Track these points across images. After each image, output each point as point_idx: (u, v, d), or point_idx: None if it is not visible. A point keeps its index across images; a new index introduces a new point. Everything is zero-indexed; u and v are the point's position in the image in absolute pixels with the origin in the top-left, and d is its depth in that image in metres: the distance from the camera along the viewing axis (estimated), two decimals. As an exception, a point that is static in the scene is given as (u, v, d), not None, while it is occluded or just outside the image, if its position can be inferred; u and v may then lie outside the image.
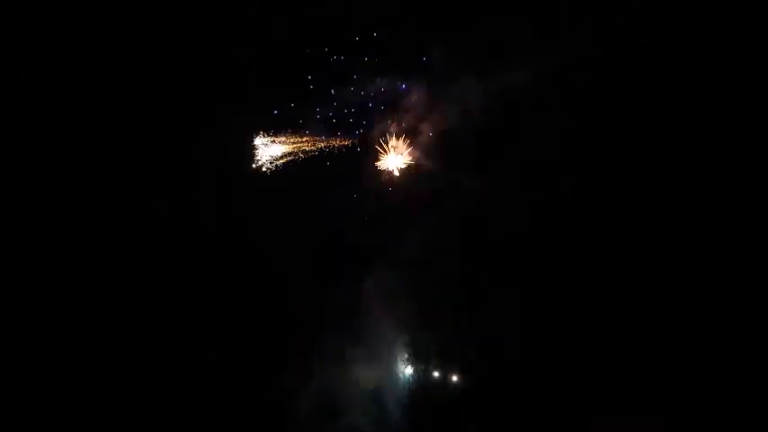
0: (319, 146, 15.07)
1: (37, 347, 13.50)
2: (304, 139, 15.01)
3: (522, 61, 13.79)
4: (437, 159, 15.40)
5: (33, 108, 13.68)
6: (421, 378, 16.02)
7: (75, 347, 13.72)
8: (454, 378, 16.04)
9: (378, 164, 15.37)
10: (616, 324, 14.60)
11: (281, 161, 15.06)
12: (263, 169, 15.04)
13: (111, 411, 13.68)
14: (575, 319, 15.02)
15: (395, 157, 15.34)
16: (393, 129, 15.17)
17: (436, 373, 16.07)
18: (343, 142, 15.10)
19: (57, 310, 13.71)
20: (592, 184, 14.50)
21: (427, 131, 15.21)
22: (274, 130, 15.00)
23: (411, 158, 15.40)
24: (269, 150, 15.01)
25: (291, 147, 15.03)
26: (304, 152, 15.07)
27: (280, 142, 14.99)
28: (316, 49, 14.40)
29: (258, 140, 15.01)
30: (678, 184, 14.00)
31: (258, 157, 15.01)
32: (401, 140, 15.25)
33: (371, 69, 14.73)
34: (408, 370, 16.01)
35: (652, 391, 14.28)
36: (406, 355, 16.09)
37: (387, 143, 15.24)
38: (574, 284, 14.96)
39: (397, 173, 15.47)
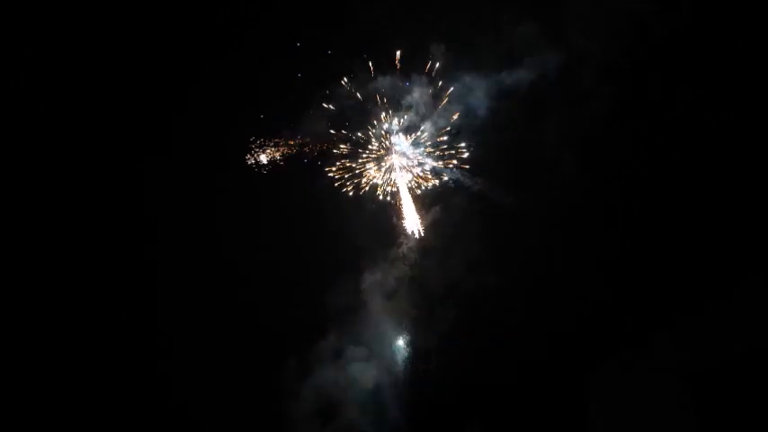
0: (320, 147, 14.99)
1: (37, 347, 13.65)
2: (305, 139, 14.95)
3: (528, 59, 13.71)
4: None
5: (33, 108, 13.74)
6: (422, 376, 16.00)
7: (73, 347, 13.84)
8: (456, 376, 16.00)
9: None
10: (616, 324, 14.55)
11: (279, 162, 15.04)
12: (261, 169, 15.04)
13: (109, 411, 13.80)
14: (579, 318, 14.99)
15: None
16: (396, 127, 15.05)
17: (437, 371, 16.04)
18: (341, 145, 15.05)
19: (55, 309, 13.85)
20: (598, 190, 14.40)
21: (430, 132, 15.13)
22: (275, 129, 14.97)
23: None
24: (268, 150, 14.97)
25: (291, 147, 14.98)
26: (304, 152, 15.02)
27: (280, 142, 14.95)
28: (314, 48, 14.31)
29: (259, 140, 14.97)
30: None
31: (257, 157, 14.99)
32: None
33: (371, 67, 14.62)
34: (409, 368, 15.99)
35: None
36: (407, 353, 16.08)
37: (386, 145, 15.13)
38: (575, 285, 14.91)
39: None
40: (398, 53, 14.34)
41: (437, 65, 14.51)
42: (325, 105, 14.60)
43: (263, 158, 14.88)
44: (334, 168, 15.07)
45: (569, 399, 14.89)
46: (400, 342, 15.95)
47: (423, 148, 15.22)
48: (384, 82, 14.56)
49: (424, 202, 15.61)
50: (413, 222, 15.49)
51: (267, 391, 14.82)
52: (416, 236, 15.51)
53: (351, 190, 15.14)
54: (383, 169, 15.25)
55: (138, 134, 14.28)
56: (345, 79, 14.46)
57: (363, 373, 15.22)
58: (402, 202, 15.46)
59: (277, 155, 14.92)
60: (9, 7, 13.38)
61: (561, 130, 14.12)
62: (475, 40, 14.05)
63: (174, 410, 13.98)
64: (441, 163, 15.24)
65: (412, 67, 14.60)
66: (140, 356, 14.20)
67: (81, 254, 14.10)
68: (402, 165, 15.30)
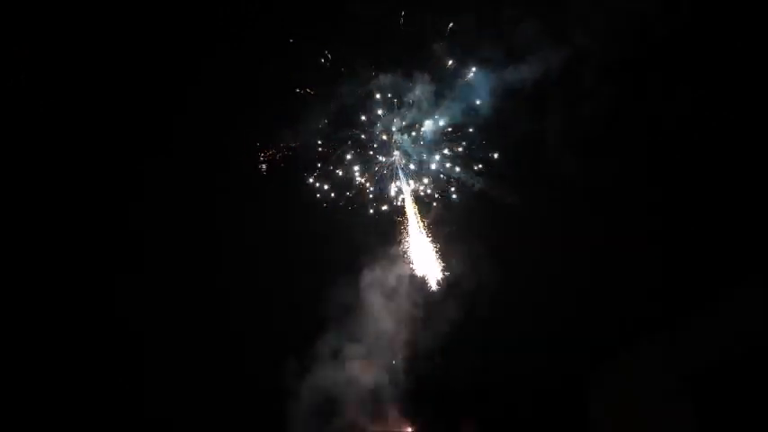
0: (320, 148, 14.91)
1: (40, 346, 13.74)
2: (303, 139, 14.87)
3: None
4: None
5: (33, 108, 13.76)
6: (421, 375, 16.01)
7: (70, 347, 13.92)
8: (456, 375, 16.02)
9: None
10: (616, 324, 14.56)
11: (279, 162, 15.00)
12: (262, 169, 15.00)
13: (105, 411, 13.88)
14: (577, 316, 14.99)
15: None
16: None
17: (437, 370, 16.05)
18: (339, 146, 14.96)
19: (53, 309, 13.93)
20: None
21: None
22: (275, 129, 14.92)
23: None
24: (268, 150, 14.94)
25: (290, 147, 14.93)
26: (304, 153, 14.96)
27: (280, 142, 14.91)
28: (314, 46, 14.25)
29: (259, 140, 14.94)
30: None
31: (256, 156, 14.96)
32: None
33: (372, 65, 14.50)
34: (409, 367, 16.00)
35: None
36: (407, 352, 16.08)
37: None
38: (575, 285, 14.91)
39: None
40: (402, 14, 13.77)
41: (437, 62, 14.44)
42: (322, 103, 14.51)
43: (263, 158, 14.86)
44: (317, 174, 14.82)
45: (569, 399, 14.94)
46: (400, 341, 15.95)
47: (432, 150, 15.01)
48: (386, 79, 14.46)
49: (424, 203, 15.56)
50: (428, 264, 15.13)
51: (267, 391, 14.88)
52: (434, 286, 15.01)
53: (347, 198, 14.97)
54: (383, 172, 15.14)
55: (138, 134, 14.29)
56: (327, 56, 14.04)
57: (363, 373, 15.24)
58: (408, 227, 15.17)
59: (276, 155, 14.88)
60: (9, 7, 13.39)
61: (561, 130, 14.12)
62: (474, 39, 14.01)
63: (174, 410, 14.09)
64: (458, 168, 15.01)
65: (413, 65, 14.52)
66: (139, 357, 14.30)
67: (80, 254, 14.17)
68: (405, 164, 15.15)
